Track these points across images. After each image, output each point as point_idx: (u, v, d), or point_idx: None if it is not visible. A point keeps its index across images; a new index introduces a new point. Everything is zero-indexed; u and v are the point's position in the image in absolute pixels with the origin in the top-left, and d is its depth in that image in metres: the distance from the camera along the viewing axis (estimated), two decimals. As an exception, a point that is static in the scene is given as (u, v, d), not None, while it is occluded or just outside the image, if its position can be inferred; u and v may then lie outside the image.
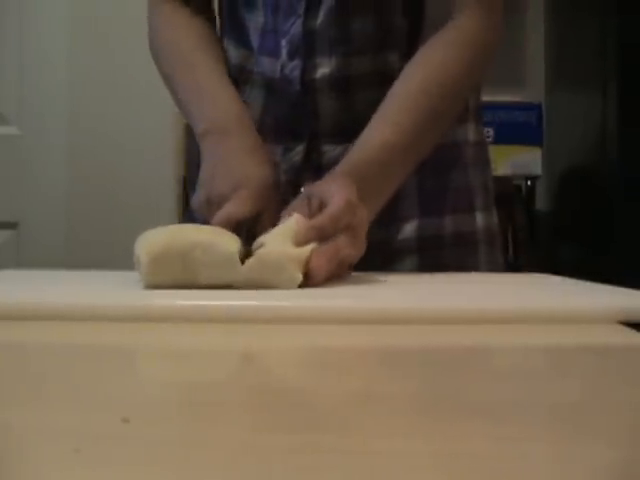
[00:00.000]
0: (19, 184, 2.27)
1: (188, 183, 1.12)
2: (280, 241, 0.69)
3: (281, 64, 0.94)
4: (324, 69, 0.93)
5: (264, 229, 0.78)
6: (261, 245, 0.69)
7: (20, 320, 0.56)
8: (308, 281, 0.68)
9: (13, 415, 0.32)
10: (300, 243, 0.69)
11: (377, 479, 0.25)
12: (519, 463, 0.27)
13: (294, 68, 0.93)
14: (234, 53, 1.00)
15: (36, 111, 2.26)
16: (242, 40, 0.98)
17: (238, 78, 0.99)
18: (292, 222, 0.71)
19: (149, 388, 0.39)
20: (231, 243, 0.69)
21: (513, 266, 2.06)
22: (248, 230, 0.78)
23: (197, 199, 0.86)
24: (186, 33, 0.98)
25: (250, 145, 0.88)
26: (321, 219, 0.72)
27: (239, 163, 0.85)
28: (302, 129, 0.94)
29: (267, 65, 0.95)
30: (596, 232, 2.12)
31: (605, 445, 0.29)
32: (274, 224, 0.76)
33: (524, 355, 0.50)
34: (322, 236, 0.70)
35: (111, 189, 2.23)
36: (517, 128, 2.22)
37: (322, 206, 0.74)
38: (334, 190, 0.75)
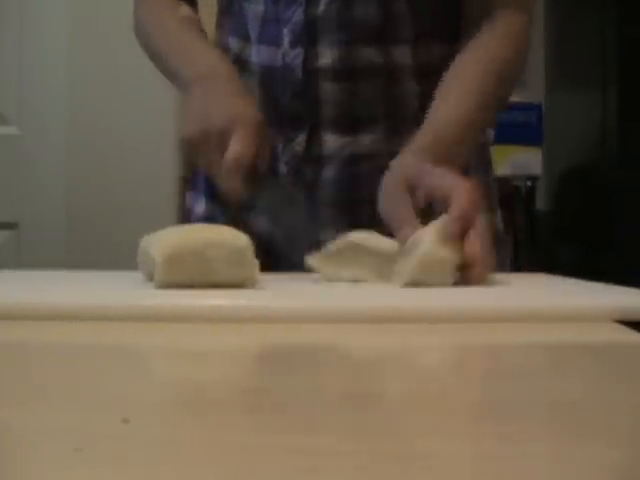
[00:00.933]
0: (19, 184, 2.27)
1: (187, 183, 1.12)
2: (435, 242, 0.71)
3: (283, 53, 0.94)
4: (326, 58, 0.92)
5: (264, 164, 0.84)
6: (413, 245, 0.72)
7: (21, 320, 0.56)
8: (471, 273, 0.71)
9: (14, 414, 0.33)
10: (448, 236, 0.71)
11: (377, 479, 0.25)
12: (519, 462, 0.27)
13: (296, 56, 0.93)
14: (232, 44, 1.00)
15: (36, 111, 2.26)
16: (239, 30, 0.98)
17: (241, 69, 0.98)
18: (437, 225, 0.73)
19: (149, 388, 0.39)
20: (241, 238, 0.70)
21: (513, 266, 2.06)
22: (249, 170, 0.81)
23: (191, 131, 0.85)
24: (170, 13, 1.01)
25: (238, 89, 0.89)
26: (463, 208, 0.73)
27: (231, 103, 0.86)
28: (303, 118, 0.93)
29: (267, 54, 0.95)
30: (596, 232, 2.12)
31: (605, 444, 0.29)
32: (268, 163, 0.83)
33: (523, 354, 0.50)
34: (465, 227, 0.72)
35: (111, 189, 2.23)
36: (517, 128, 2.22)
37: (428, 199, 0.76)
38: (452, 183, 0.76)
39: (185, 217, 1.08)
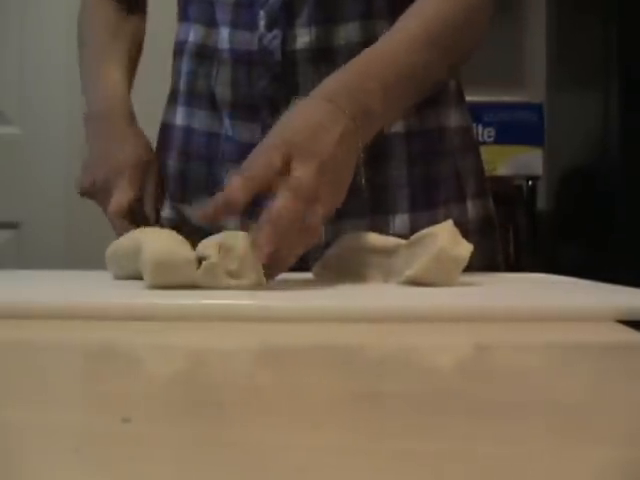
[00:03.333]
0: (20, 184, 2.27)
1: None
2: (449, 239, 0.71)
3: (259, 36, 0.90)
4: (304, 38, 0.89)
5: (148, 204, 0.91)
6: (421, 239, 0.71)
7: (21, 319, 0.56)
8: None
9: (13, 414, 0.33)
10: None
11: (379, 479, 0.25)
12: (519, 462, 0.27)
13: (274, 38, 0.90)
14: (197, 33, 0.96)
15: (37, 111, 2.27)
16: (204, 17, 0.95)
17: (202, 58, 0.96)
18: (450, 223, 0.73)
19: (150, 388, 0.39)
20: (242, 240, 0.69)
21: (514, 266, 2.06)
22: (139, 212, 0.87)
23: (83, 183, 0.95)
24: (106, 17, 1.04)
25: (123, 129, 0.95)
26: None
27: (116, 149, 0.93)
28: (282, 103, 0.90)
29: (242, 38, 0.92)
30: (597, 232, 2.12)
31: (606, 444, 0.29)
32: (156, 196, 0.93)
33: (524, 353, 0.50)
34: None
35: (112, 189, 2.23)
36: (518, 128, 2.22)
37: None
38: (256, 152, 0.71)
39: None
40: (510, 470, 0.26)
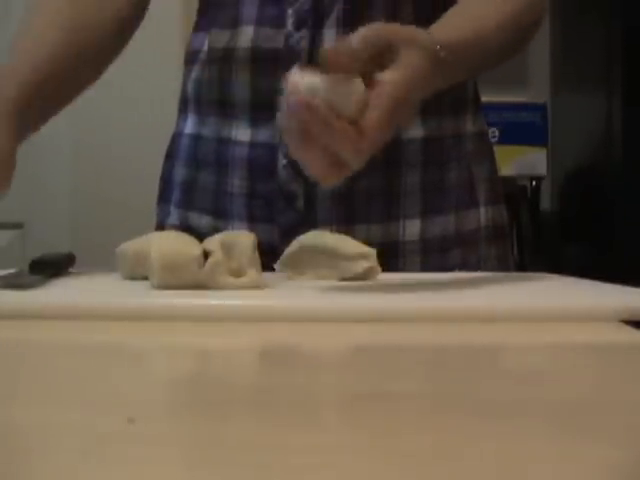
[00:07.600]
0: (24, 184, 2.27)
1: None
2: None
3: (286, 34, 0.89)
4: (331, 41, 0.87)
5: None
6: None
7: (26, 319, 0.56)
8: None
9: (19, 414, 0.33)
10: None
11: (382, 478, 0.25)
12: (523, 462, 0.27)
13: (301, 39, 0.88)
14: (214, 37, 0.94)
15: (41, 111, 2.27)
16: (227, 19, 0.93)
17: (217, 62, 0.94)
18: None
19: (154, 388, 0.39)
20: (248, 238, 0.70)
21: (518, 266, 2.06)
22: None
23: None
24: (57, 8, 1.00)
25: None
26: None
27: None
28: None
29: (267, 36, 0.90)
30: (601, 232, 2.12)
31: (610, 444, 0.29)
32: None
33: (528, 353, 0.50)
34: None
35: (116, 189, 2.23)
36: (522, 128, 2.22)
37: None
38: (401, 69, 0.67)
39: (157, 229, 1.02)
40: (513, 469, 0.26)
